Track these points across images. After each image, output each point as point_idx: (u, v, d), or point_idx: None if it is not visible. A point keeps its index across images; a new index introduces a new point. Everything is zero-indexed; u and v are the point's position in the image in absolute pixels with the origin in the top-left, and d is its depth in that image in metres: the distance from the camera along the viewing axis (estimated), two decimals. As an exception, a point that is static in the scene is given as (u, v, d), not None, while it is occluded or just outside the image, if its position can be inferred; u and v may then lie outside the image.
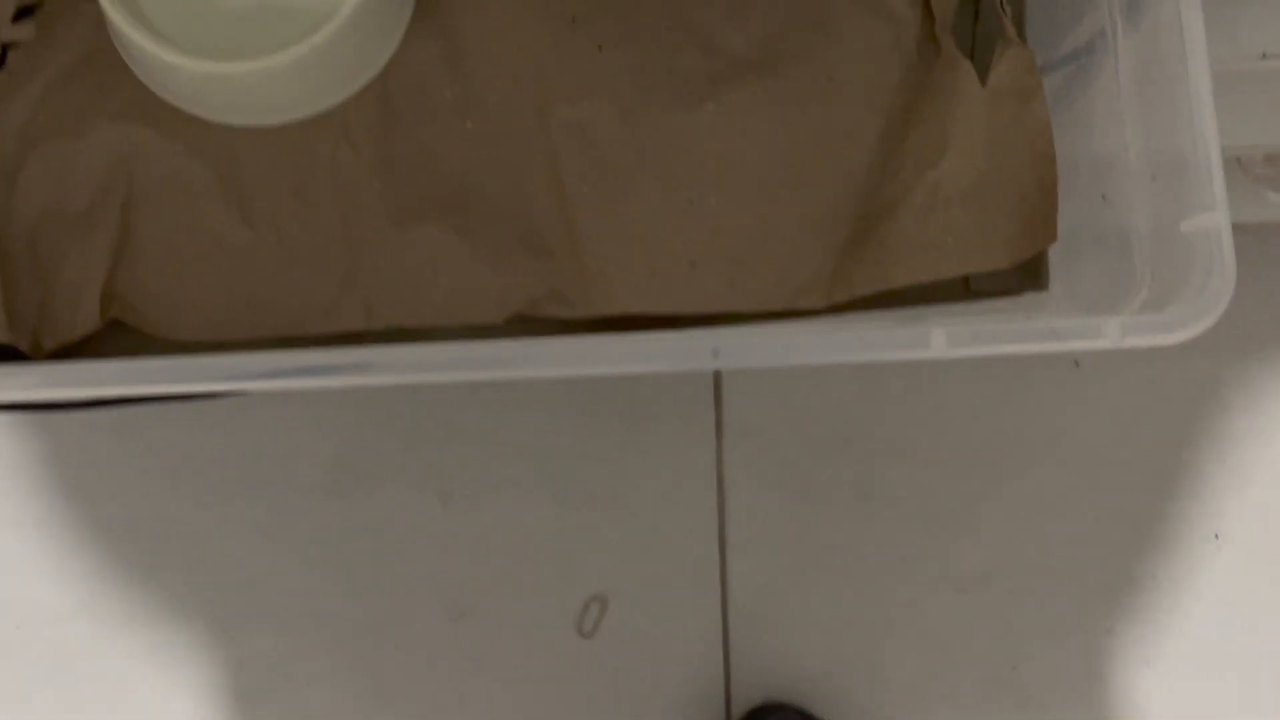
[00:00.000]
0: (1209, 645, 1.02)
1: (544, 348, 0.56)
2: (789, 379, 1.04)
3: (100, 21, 0.65)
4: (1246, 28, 0.76)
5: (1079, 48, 0.62)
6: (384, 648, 1.03)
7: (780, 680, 1.01)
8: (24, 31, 0.66)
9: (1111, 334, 0.54)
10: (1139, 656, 1.02)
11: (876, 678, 1.00)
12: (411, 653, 1.02)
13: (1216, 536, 1.04)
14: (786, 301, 0.66)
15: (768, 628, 1.02)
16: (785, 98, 0.66)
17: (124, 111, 0.66)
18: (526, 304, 0.66)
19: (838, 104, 0.66)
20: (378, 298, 0.66)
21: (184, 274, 0.66)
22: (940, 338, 0.54)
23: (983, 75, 0.64)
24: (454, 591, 1.03)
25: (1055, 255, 0.65)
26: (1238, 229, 0.53)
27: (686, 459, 1.04)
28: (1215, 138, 0.54)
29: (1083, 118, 0.62)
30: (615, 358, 0.55)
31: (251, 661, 1.03)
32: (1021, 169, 0.63)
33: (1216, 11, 0.75)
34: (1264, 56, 0.76)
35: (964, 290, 0.67)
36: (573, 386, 1.03)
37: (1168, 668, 1.02)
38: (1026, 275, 0.66)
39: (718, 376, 1.04)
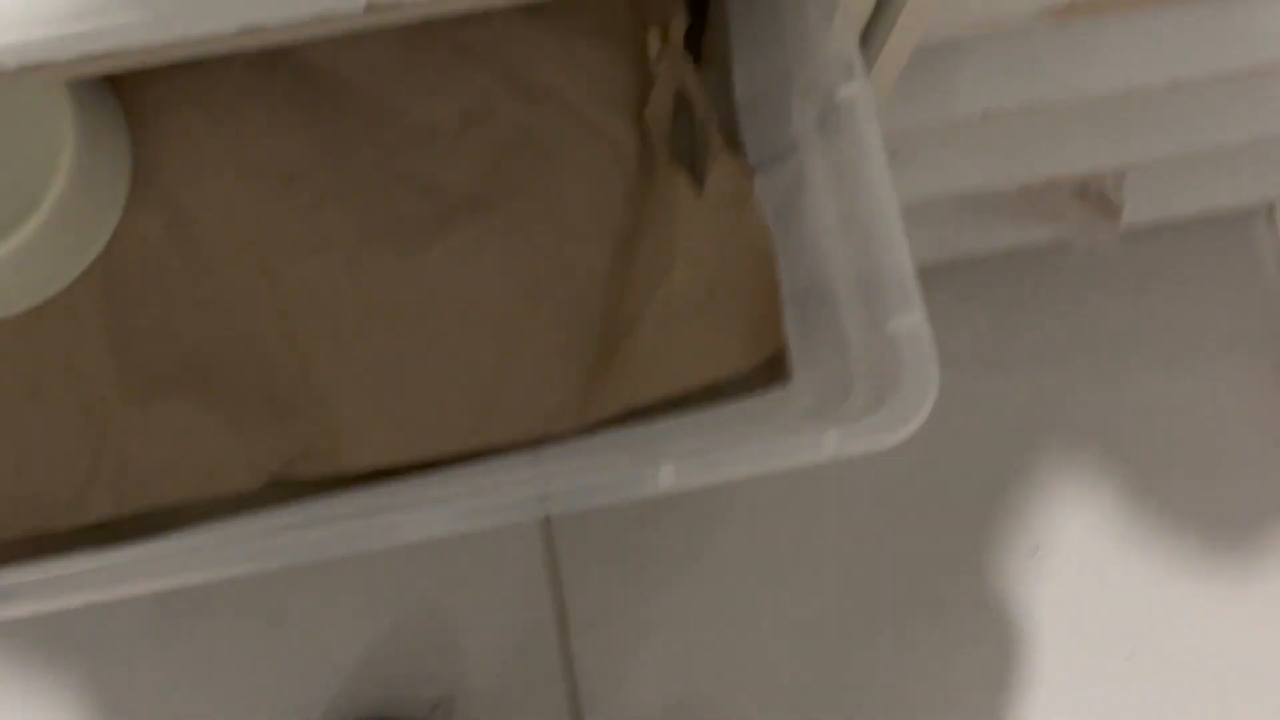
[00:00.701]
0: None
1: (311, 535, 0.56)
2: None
3: None
4: (965, 87, 0.79)
5: (781, 153, 0.64)
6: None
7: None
8: None
9: (829, 445, 0.55)
10: (987, 677, 1.05)
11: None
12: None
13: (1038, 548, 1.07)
14: (541, 428, 0.66)
15: (618, 702, 1.03)
16: (512, 229, 0.67)
17: None
18: (280, 467, 0.65)
19: (565, 228, 0.67)
20: (127, 482, 0.65)
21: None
22: (669, 473, 0.55)
23: (701, 185, 0.65)
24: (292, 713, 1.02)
25: (795, 349, 0.67)
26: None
27: (514, 549, 1.04)
28: (904, 246, 0.56)
29: (796, 224, 0.63)
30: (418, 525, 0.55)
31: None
32: (746, 274, 0.64)
33: (933, 73, 0.78)
34: (984, 115, 0.78)
35: (714, 391, 0.68)
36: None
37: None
38: (768, 375, 0.67)
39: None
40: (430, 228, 0.66)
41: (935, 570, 1.06)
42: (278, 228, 0.66)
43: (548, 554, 1.04)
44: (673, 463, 0.55)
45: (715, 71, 0.68)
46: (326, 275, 0.66)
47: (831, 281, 0.60)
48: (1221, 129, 0.87)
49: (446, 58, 0.67)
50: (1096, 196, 0.97)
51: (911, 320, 0.55)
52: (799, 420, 0.60)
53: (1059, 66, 0.77)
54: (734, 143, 0.67)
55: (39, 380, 0.65)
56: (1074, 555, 1.04)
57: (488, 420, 0.66)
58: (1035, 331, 1.07)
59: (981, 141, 0.84)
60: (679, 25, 0.66)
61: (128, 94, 0.67)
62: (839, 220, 0.59)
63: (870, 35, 0.64)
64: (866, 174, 0.56)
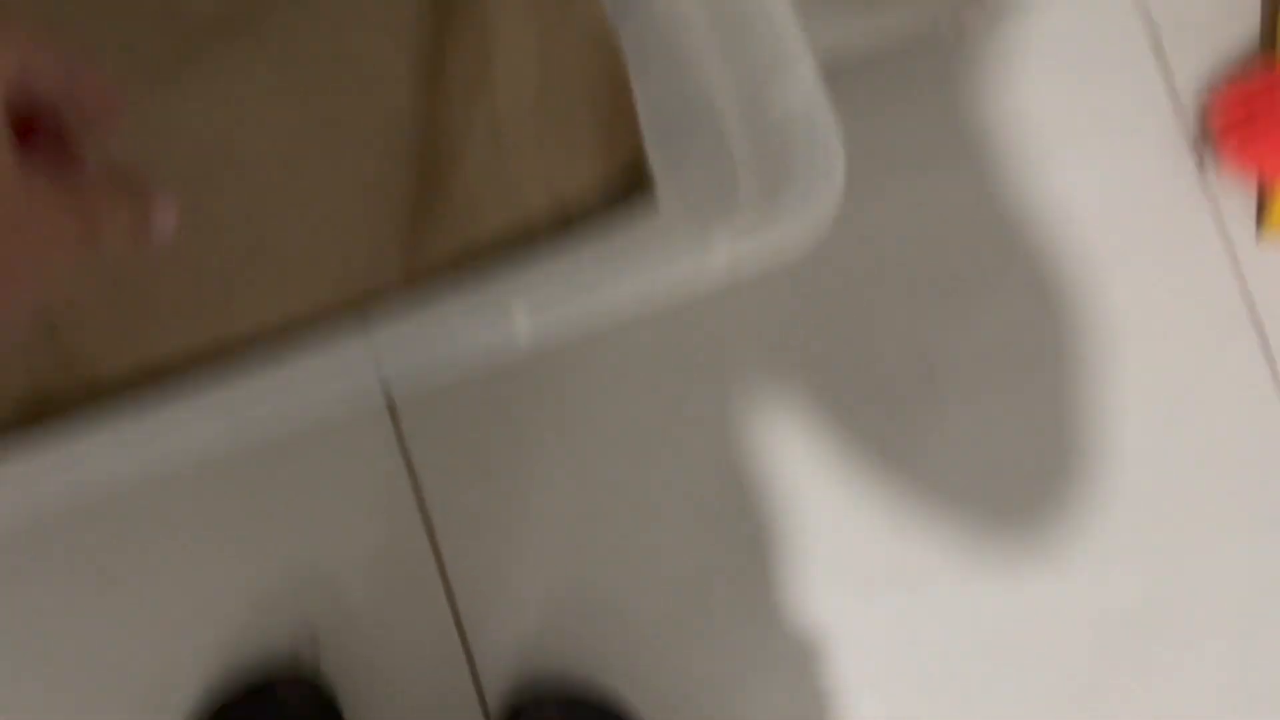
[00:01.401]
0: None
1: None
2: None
3: None
4: None
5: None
6: None
7: (531, 663, 0.91)
8: None
9: (719, 254, 0.44)
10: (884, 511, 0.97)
11: (622, 624, 0.92)
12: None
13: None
14: (360, 285, 0.53)
15: (502, 614, 0.92)
16: (281, 49, 0.53)
17: None
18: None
19: (354, 50, 0.53)
20: None
21: None
22: (524, 321, 0.43)
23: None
24: (146, 684, 0.89)
25: (659, 166, 0.55)
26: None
27: (367, 463, 0.91)
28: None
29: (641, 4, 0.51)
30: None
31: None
32: (584, 69, 0.52)
33: None
34: None
35: (565, 219, 0.56)
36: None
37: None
38: (627, 188, 0.55)
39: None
40: (173, 58, 0.52)
41: (823, 427, 0.97)
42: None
43: (404, 459, 0.92)
44: (527, 307, 0.43)
45: None
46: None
47: (697, 69, 0.48)
48: None
49: None
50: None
51: (801, 86, 0.43)
52: (676, 239, 0.48)
53: None
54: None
55: None
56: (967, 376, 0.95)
57: (286, 285, 0.52)
58: (918, 134, 0.97)
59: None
60: None
61: None
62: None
63: None
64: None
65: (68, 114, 0.39)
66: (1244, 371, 0.98)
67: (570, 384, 0.94)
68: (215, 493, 0.90)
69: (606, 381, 0.95)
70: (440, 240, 0.53)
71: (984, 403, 0.95)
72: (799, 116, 0.44)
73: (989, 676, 0.94)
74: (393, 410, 0.92)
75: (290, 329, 0.52)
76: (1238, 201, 0.98)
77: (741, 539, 0.94)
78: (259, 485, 0.91)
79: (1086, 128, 0.97)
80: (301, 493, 0.90)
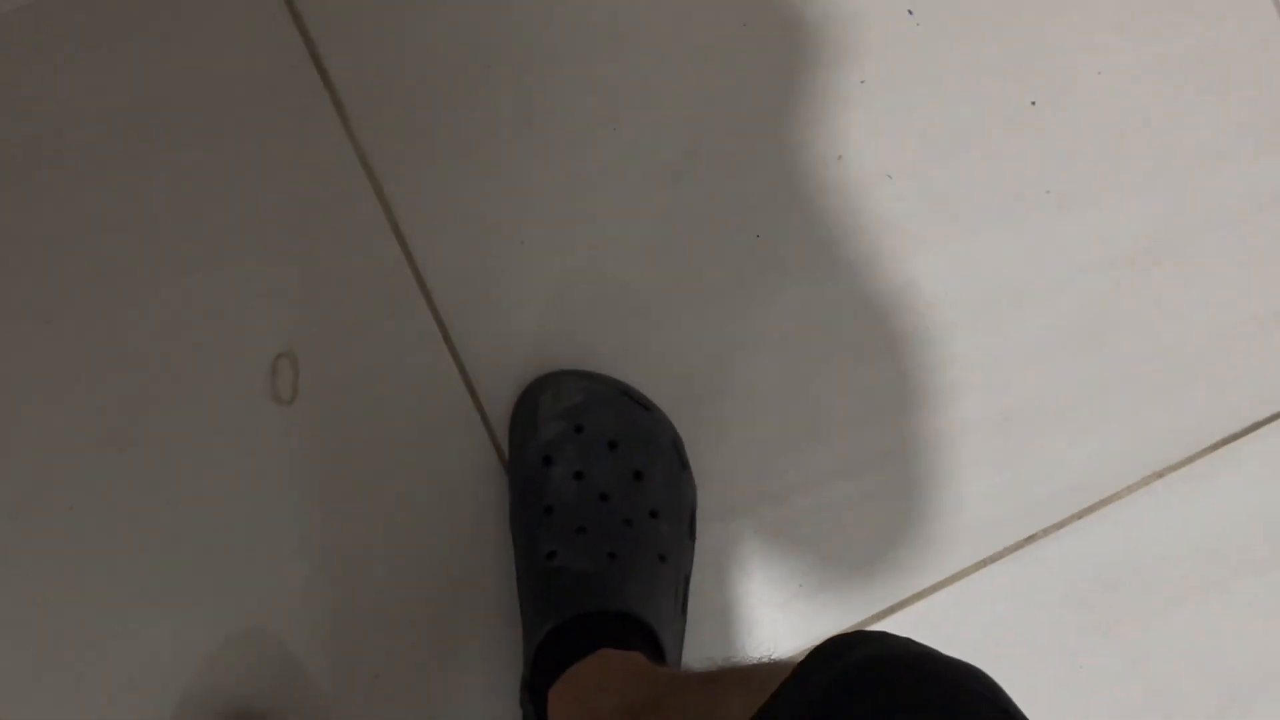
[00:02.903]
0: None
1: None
2: (388, 17, 0.85)
3: None
4: None
5: None
6: (49, 509, 0.82)
7: (521, 358, 0.86)
8: None
9: None
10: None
11: (608, 298, 0.87)
12: (80, 510, 0.82)
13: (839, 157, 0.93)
14: None
15: (485, 312, 0.86)
16: None
17: None
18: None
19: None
20: None
21: None
22: None
23: None
24: (110, 415, 0.82)
25: None
26: None
27: (320, 163, 0.85)
28: None
29: None
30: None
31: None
32: None
33: None
34: None
35: None
36: (134, 133, 0.82)
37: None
38: None
39: (315, 57, 0.84)
40: None
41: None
42: None
43: (359, 158, 0.85)
44: None
45: None
46: None
47: None
48: None
49: None
50: None
51: None
52: None
53: None
54: None
55: None
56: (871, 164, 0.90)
57: None
58: None
59: None
60: None
61: None
62: None
63: None
64: None
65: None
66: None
67: (538, 75, 0.88)
68: (151, 205, 0.83)
69: (575, 62, 0.88)
70: None
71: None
72: None
73: (1002, 322, 0.91)
74: (340, 107, 0.86)
75: None
76: None
77: (727, 200, 0.88)
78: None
79: None
80: (273, 218, 0.84)
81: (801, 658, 0.52)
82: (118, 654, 0.83)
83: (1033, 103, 0.91)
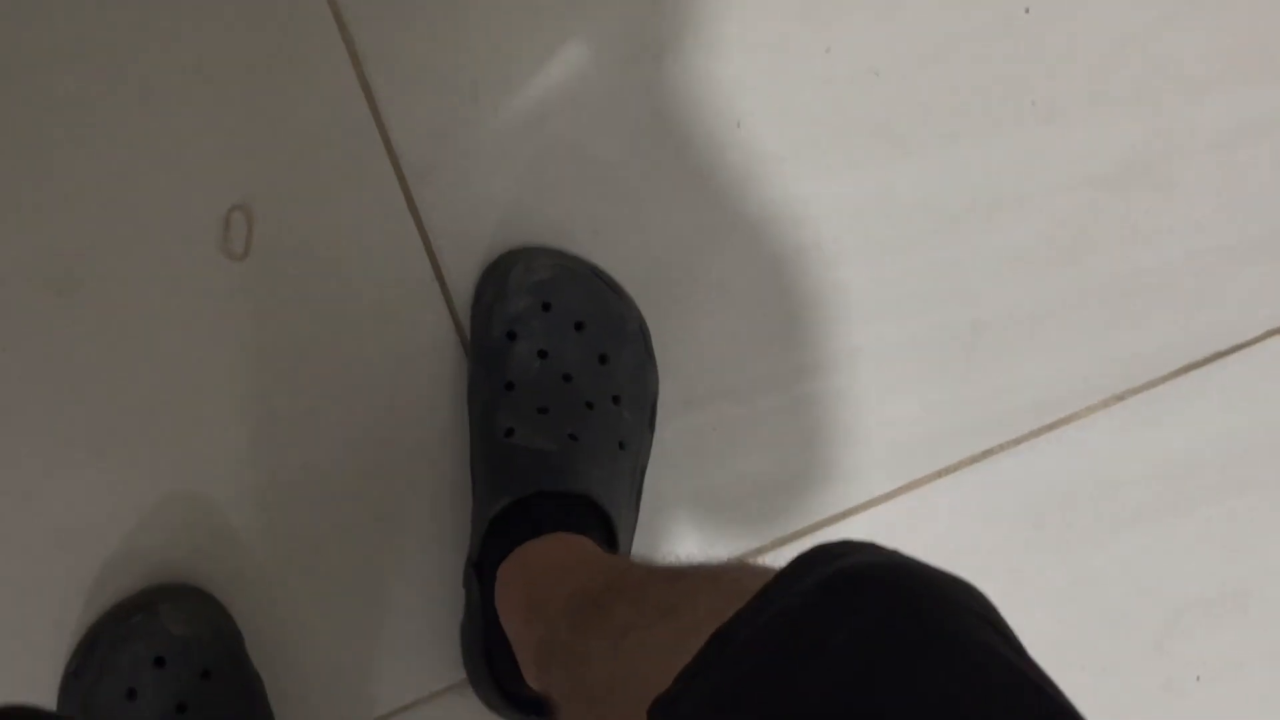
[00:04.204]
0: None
1: None
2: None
3: None
4: None
5: None
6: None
7: (488, 231, 0.83)
8: None
9: None
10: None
11: (582, 176, 0.83)
12: (17, 353, 0.78)
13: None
14: None
15: (454, 181, 0.83)
16: None
17: None
18: None
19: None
20: None
21: None
22: None
23: None
24: (46, 261, 0.78)
25: None
26: None
27: (292, 8, 0.80)
28: None
29: None
30: None
31: None
32: None
33: None
34: None
35: None
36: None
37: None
38: None
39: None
40: None
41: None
42: None
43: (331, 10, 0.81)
44: None
45: None
46: None
47: None
48: None
49: None
50: None
51: None
52: None
53: None
54: None
55: None
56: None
57: None
58: None
59: None
60: None
61: None
62: None
63: None
64: None
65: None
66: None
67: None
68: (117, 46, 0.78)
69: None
70: None
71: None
72: None
73: (975, 232, 0.90)
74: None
75: None
76: None
77: (710, 82, 0.85)
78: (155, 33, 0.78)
79: None
80: (237, 61, 0.79)
81: (771, 564, 0.50)
82: (44, 506, 0.79)
83: (1027, 10, 0.89)
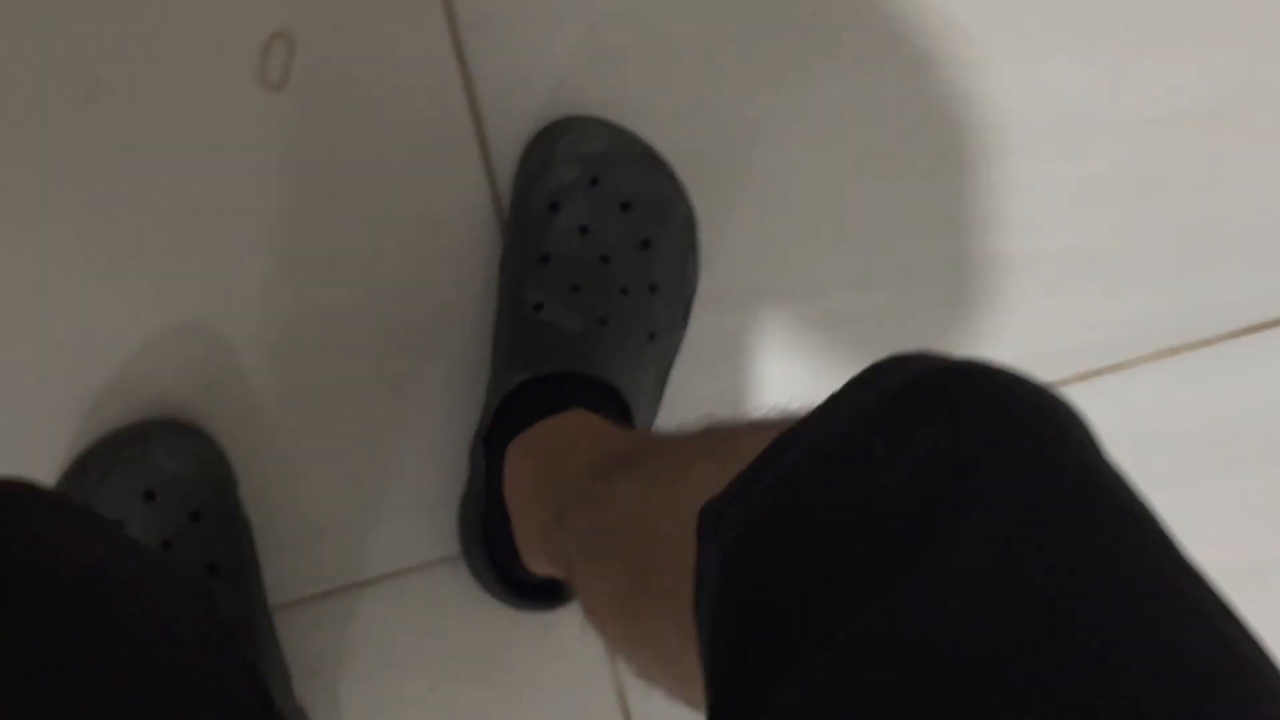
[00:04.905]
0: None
1: None
2: None
3: None
4: None
5: None
6: (7, 159, 0.74)
7: (537, 95, 0.78)
8: None
9: None
10: None
11: (642, 47, 0.78)
12: (40, 157, 0.74)
13: None
14: None
15: (508, 37, 0.78)
16: None
17: None
18: None
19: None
20: None
21: None
22: None
23: None
24: (78, 66, 0.73)
25: None
26: None
27: None
28: None
29: None
30: None
31: None
32: None
33: None
34: None
35: None
36: None
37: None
38: None
39: None
40: None
41: None
42: None
43: None
44: None
45: None
46: None
47: None
48: None
49: None
50: None
51: None
52: None
53: None
54: None
55: None
56: None
57: None
58: None
59: None
60: None
61: None
62: None
63: None
64: None
65: None
66: None
67: None
68: None
69: None
70: None
71: None
72: None
73: (1052, 158, 0.85)
74: None
75: None
76: None
77: None
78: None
79: None
80: None
81: None
82: (48, 319, 0.76)
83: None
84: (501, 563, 0.76)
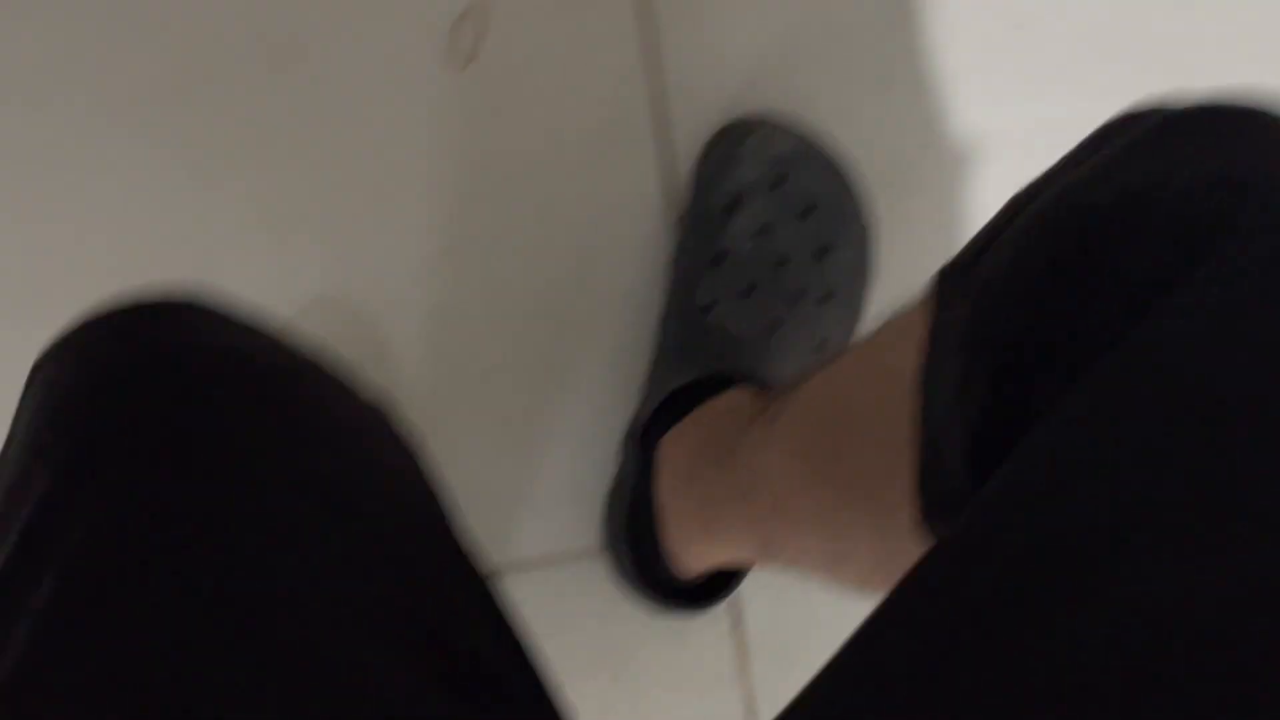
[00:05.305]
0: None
1: None
2: None
3: None
4: None
5: None
6: (194, 114, 0.75)
7: (726, 91, 0.77)
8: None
9: None
10: None
11: (838, 53, 0.77)
12: (227, 118, 0.74)
13: None
14: None
15: (702, 30, 0.77)
16: None
17: None
18: None
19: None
20: None
21: None
22: None
23: None
24: (273, 30, 0.74)
25: None
26: None
27: None
28: None
29: None
30: None
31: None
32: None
33: None
34: None
35: None
36: None
37: None
38: None
39: None
40: None
41: None
42: None
43: None
44: None
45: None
46: None
47: None
48: None
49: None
50: None
51: None
52: None
53: None
54: None
55: None
56: None
57: None
58: None
59: None
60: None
61: None
62: None
63: None
64: None
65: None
66: None
67: None
68: None
69: None
70: None
71: None
72: None
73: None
74: None
75: None
76: None
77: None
78: None
79: None
80: None
81: None
82: (218, 274, 0.76)
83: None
84: (644, 560, 0.75)
